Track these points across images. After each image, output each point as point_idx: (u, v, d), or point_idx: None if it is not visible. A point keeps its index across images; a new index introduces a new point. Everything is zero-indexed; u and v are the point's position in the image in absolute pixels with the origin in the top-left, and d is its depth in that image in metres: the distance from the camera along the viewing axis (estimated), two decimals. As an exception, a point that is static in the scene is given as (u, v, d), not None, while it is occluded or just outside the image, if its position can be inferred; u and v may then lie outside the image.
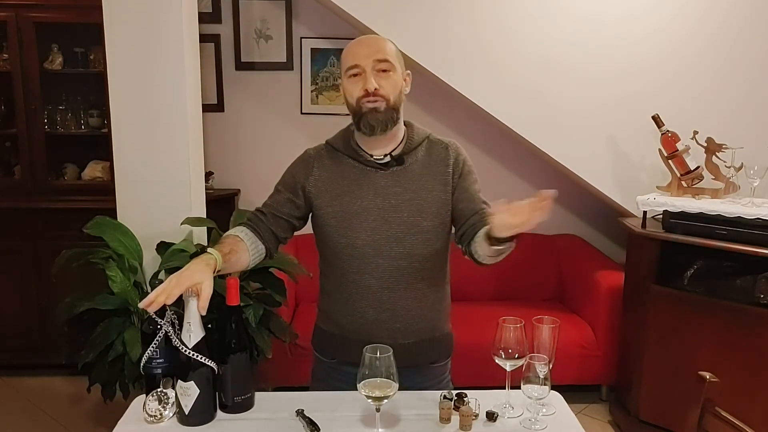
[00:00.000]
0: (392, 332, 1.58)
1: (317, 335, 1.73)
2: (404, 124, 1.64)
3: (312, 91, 3.75)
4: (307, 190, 1.61)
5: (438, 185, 1.60)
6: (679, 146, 2.87)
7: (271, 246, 1.63)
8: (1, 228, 3.31)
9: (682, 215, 2.70)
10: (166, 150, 2.46)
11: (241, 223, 1.65)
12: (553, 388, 1.42)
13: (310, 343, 1.75)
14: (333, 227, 1.58)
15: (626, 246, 3.06)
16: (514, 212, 1.34)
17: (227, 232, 1.62)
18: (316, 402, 1.48)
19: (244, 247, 1.56)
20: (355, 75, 1.53)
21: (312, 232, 1.69)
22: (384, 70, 1.53)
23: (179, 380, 1.37)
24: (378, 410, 1.32)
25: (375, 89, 1.51)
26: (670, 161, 2.90)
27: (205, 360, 1.37)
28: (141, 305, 1.33)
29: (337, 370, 1.66)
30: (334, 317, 1.65)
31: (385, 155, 1.59)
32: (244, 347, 1.43)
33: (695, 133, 2.87)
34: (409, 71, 1.62)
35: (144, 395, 1.45)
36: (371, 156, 1.59)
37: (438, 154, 1.63)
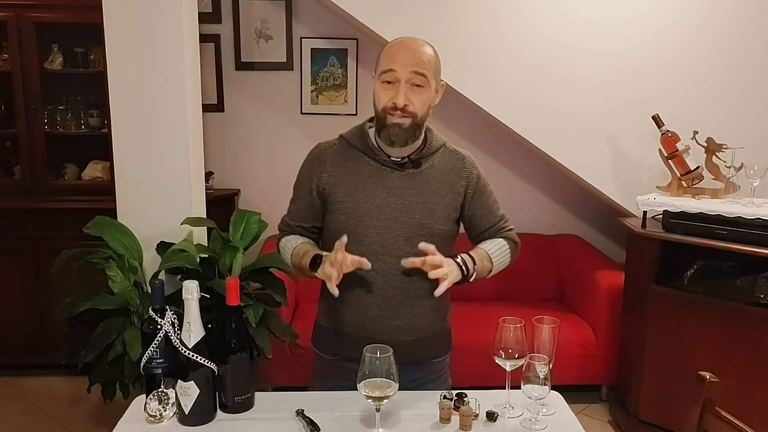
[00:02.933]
0: (394, 329, 1.59)
1: (317, 332, 1.73)
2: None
3: (312, 91, 3.75)
4: (321, 186, 1.63)
5: (450, 193, 1.63)
6: (679, 146, 2.87)
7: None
8: (1, 228, 3.31)
9: (682, 215, 2.70)
10: (166, 150, 2.46)
11: (284, 234, 1.72)
12: (553, 388, 1.42)
13: (311, 341, 1.76)
14: (343, 222, 1.59)
15: (626, 246, 3.06)
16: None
17: (289, 245, 1.68)
18: (316, 402, 1.49)
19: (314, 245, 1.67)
20: (388, 82, 1.53)
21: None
22: (418, 85, 1.52)
23: (179, 380, 1.37)
24: (378, 410, 1.32)
25: (404, 105, 1.51)
26: (670, 161, 2.90)
27: (204, 361, 1.37)
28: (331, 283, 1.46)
29: (338, 367, 1.67)
30: (336, 313, 1.66)
31: (403, 158, 1.60)
32: (244, 347, 1.44)
33: (695, 133, 2.87)
34: (443, 82, 1.62)
35: (144, 395, 1.45)
36: (388, 156, 1.60)
37: (454, 164, 1.66)
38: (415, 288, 1.60)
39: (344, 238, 1.47)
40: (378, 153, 1.60)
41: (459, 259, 1.55)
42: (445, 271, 1.47)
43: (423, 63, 1.53)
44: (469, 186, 1.66)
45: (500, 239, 1.70)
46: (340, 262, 1.45)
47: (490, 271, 1.65)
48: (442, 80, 1.62)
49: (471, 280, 1.58)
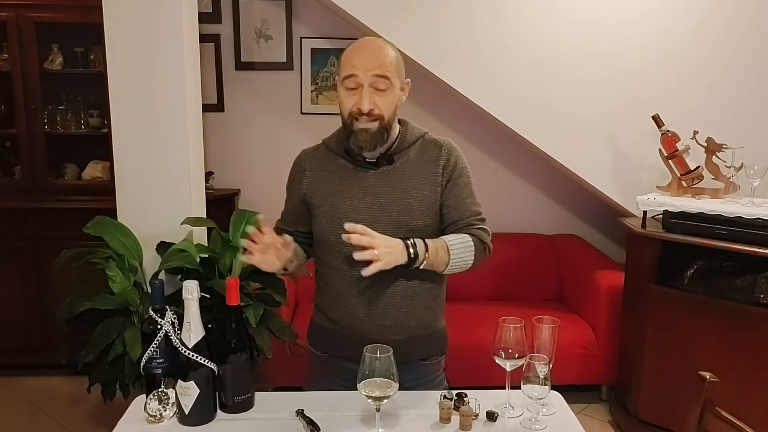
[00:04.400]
0: (382, 329, 1.59)
1: (312, 329, 1.75)
2: (399, 122, 1.63)
3: (312, 91, 3.75)
4: (302, 193, 1.65)
5: (428, 185, 1.60)
6: (679, 146, 2.87)
7: (308, 249, 1.73)
8: (1, 228, 3.31)
9: (682, 215, 2.70)
10: (166, 150, 2.46)
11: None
12: (553, 388, 1.42)
13: (306, 338, 1.76)
14: (324, 226, 1.60)
15: (626, 246, 3.06)
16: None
17: None
18: (316, 402, 1.49)
19: (295, 246, 1.65)
20: (351, 88, 1.52)
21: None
22: (381, 89, 1.51)
23: (179, 380, 1.37)
24: (378, 410, 1.32)
25: (370, 110, 1.50)
26: (670, 161, 2.90)
27: (204, 361, 1.37)
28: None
29: (330, 365, 1.68)
30: (326, 312, 1.67)
31: (377, 158, 1.60)
32: (244, 347, 1.44)
33: (695, 133, 2.87)
34: (408, 80, 1.61)
35: (144, 395, 1.45)
36: (362, 156, 1.60)
37: (430, 154, 1.62)
38: (401, 287, 1.59)
39: (260, 216, 1.52)
40: (353, 154, 1.60)
41: (410, 241, 1.49)
42: (376, 253, 1.39)
43: (384, 65, 1.50)
44: (445, 173, 1.60)
45: (466, 234, 1.58)
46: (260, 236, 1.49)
47: (447, 264, 1.54)
48: (407, 79, 1.60)
49: (420, 267, 1.50)
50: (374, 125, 1.52)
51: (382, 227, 1.55)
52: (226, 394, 1.44)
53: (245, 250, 1.49)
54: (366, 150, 1.55)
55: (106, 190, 3.01)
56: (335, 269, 1.61)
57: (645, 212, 2.86)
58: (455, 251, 1.54)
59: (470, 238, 1.58)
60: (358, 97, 1.50)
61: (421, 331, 1.64)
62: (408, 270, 1.55)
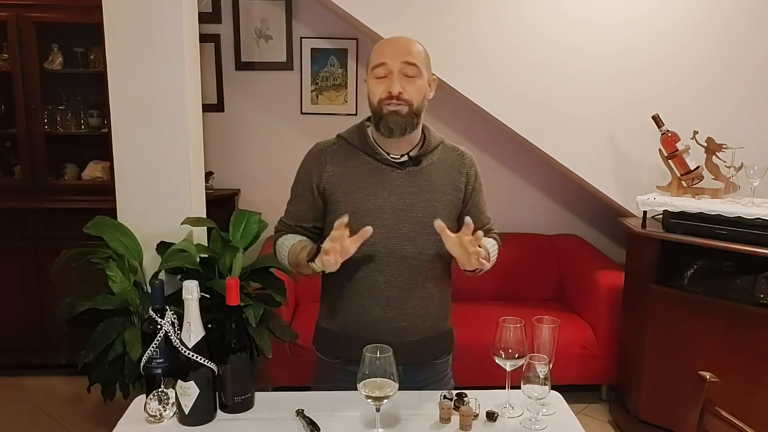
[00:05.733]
0: (398, 330, 1.59)
1: (319, 335, 1.72)
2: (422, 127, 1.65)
3: (312, 91, 3.75)
4: (321, 186, 1.62)
5: (451, 189, 1.63)
6: (679, 146, 2.87)
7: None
8: (1, 228, 3.31)
9: (682, 215, 2.70)
10: (166, 150, 2.46)
11: (281, 234, 1.68)
12: (553, 388, 1.42)
13: (312, 344, 1.74)
14: None
15: (626, 246, 3.07)
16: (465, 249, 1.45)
17: (286, 242, 1.63)
18: (316, 402, 1.49)
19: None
20: (381, 76, 1.54)
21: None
22: (410, 75, 1.54)
23: (179, 380, 1.37)
24: (378, 410, 1.32)
25: (399, 93, 1.52)
26: (670, 161, 2.90)
27: (204, 361, 1.37)
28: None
29: (341, 370, 1.65)
30: (338, 315, 1.65)
31: (402, 155, 1.60)
32: (244, 347, 1.44)
33: (695, 133, 2.87)
34: (435, 76, 1.63)
35: (144, 395, 1.45)
36: (388, 154, 1.60)
37: (453, 160, 1.67)
38: (419, 288, 1.60)
39: (345, 218, 1.42)
40: (378, 152, 1.60)
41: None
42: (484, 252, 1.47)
43: (413, 53, 1.55)
44: (469, 182, 1.67)
45: (491, 240, 1.70)
46: (338, 237, 1.41)
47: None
48: (434, 74, 1.63)
49: (479, 273, 1.56)
50: (404, 108, 1.54)
51: (407, 228, 1.57)
52: (226, 394, 1.44)
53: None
54: (396, 132, 1.54)
55: (106, 190, 3.01)
56: (353, 269, 1.58)
57: (645, 212, 2.86)
58: (493, 254, 1.64)
59: (495, 243, 1.70)
60: (389, 83, 1.53)
61: (434, 332, 1.66)
62: (426, 272, 1.59)
